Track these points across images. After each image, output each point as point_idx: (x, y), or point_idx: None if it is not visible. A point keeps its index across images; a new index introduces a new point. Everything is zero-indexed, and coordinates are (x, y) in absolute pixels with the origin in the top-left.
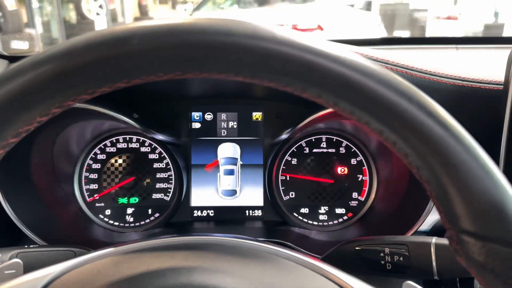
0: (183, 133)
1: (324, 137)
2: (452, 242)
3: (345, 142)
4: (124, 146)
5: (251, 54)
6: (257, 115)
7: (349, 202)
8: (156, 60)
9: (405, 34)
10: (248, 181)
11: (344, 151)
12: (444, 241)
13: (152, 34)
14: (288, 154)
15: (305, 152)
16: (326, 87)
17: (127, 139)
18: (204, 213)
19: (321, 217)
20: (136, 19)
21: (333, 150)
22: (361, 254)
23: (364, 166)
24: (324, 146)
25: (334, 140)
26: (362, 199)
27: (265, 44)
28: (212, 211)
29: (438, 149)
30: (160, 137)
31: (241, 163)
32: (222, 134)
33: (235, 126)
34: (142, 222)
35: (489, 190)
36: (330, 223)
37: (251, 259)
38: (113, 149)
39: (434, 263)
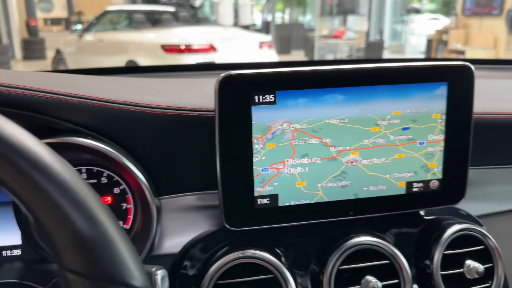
0: None
1: (84, 169)
2: (60, 278)
3: (106, 172)
4: None
5: None
6: None
7: None
8: None
9: (301, 53)
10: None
11: (106, 181)
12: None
13: None
14: None
15: None
16: None
17: None
18: None
19: None
20: (24, 40)
21: (95, 181)
22: None
23: (128, 194)
24: (85, 177)
25: (95, 170)
26: (128, 227)
27: None
28: None
29: (29, 188)
30: None
31: None
32: None
33: None
34: None
35: (86, 229)
36: None
37: None
38: None
39: None
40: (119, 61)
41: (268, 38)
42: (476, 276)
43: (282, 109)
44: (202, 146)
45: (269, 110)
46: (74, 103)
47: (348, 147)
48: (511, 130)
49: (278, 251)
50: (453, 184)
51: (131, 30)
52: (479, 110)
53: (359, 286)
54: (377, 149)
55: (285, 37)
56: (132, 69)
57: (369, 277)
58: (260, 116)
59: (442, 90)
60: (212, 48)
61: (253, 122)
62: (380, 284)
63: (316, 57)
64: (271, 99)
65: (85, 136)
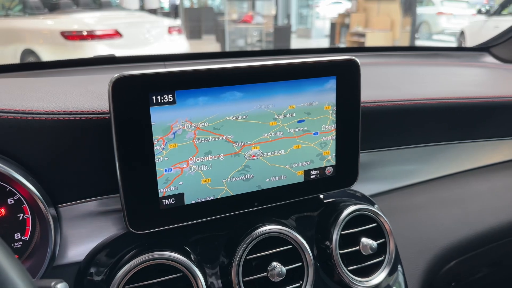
0: None
1: None
2: None
3: None
4: None
5: None
6: None
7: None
8: None
9: (212, 38)
10: None
11: None
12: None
13: None
14: None
15: None
16: None
17: None
18: None
19: None
20: None
21: None
22: None
23: (24, 204)
24: None
25: None
26: (27, 238)
27: None
28: None
29: None
30: None
31: None
32: None
33: None
34: None
35: None
36: None
37: None
38: None
39: None
40: (14, 50)
41: (177, 22)
42: (371, 252)
43: (182, 109)
44: (101, 150)
45: (168, 110)
46: None
47: (249, 142)
48: (396, 116)
49: (187, 249)
50: (346, 169)
51: (26, 16)
52: (368, 99)
53: (266, 273)
54: (276, 142)
55: (195, 21)
56: (22, 66)
57: (274, 263)
58: (159, 117)
59: (331, 84)
60: (117, 34)
61: (152, 124)
62: (284, 269)
63: (227, 41)
64: (170, 99)
65: None
